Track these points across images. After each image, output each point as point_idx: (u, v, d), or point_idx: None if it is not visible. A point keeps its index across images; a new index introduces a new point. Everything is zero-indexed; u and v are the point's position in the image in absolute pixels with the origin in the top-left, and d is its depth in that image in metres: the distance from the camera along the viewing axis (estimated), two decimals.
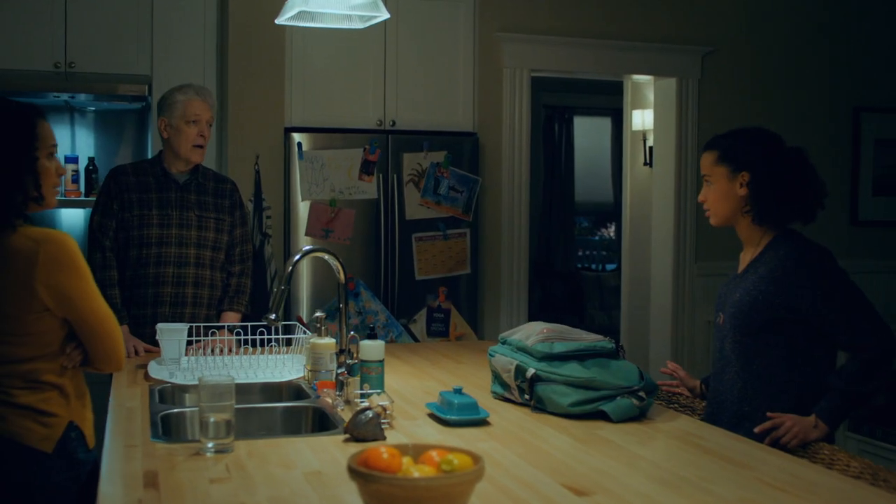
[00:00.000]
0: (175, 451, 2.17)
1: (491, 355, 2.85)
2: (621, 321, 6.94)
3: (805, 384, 2.57)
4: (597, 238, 11.00)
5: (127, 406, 2.65)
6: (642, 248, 6.57)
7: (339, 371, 2.73)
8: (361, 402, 2.58)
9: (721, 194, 2.68)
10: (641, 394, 2.61)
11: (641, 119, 6.40)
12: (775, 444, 2.48)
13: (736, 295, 2.64)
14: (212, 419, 2.15)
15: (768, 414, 2.54)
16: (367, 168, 5.02)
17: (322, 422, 2.63)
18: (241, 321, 3.73)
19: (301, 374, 3.09)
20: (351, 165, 5.00)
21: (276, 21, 3.15)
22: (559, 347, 2.69)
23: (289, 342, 3.39)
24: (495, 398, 2.82)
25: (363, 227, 5.03)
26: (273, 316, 2.69)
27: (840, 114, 6.20)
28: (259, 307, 4.85)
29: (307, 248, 2.75)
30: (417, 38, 5.16)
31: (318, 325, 3.00)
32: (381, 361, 2.68)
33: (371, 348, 2.67)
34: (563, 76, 6.08)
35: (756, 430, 2.50)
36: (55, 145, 2.29)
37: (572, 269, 10.49)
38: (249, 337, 3.31)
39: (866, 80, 6.27)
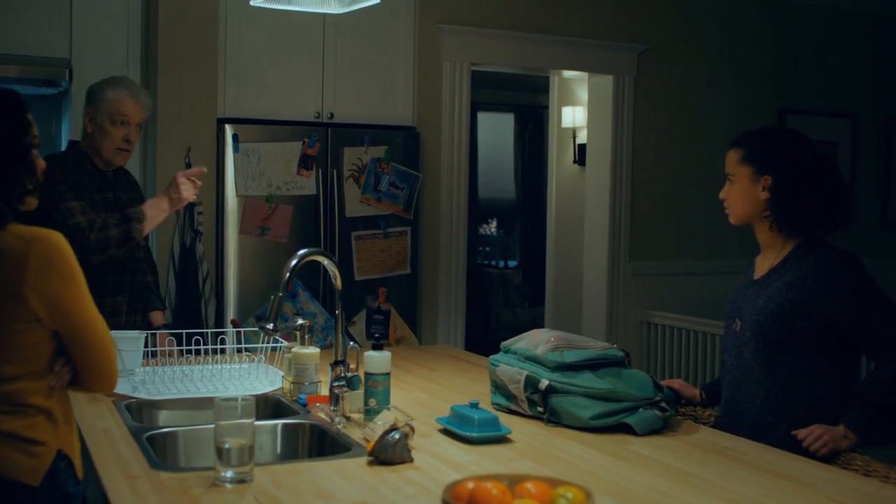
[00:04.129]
0: (187, 481, 1.91)
1: (494, 365, 2.67)
2: (545, 319, 6.86)
3: (830, 395, 2.48)
4: (495, 234, 10.92)
5: (100, 427, 2.36)
6: (570, 246, 6.50)
7: (336, 384, 2.50)
8: (369, 418, 2.37)
9: (742, 195, 2.56)
10: (663, 405, 2.48)
11: (572, 116, 6.31)
12: (804, 452, 2.39)
13: (759, 302, 2.53)
14: (227, 445, 1.90)
15: (794, 433, 2.44)
16: (305, 162, 4.76)
17: (322, 440, 2.40)
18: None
19: (278, 386, 2.84)
20: (289, 159, 4.73)
21: (252, 2, 2.88)
22: (570, 357, 2.53)
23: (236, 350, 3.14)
24: (498, 410, 2.64)
25: (301, 224, 4.76)
26: (270, 326, 2.44)
27: (766, 115, 6.25)
28: (192, 310, 4.56)
29: (303, 251, 2.51)
30: (357, 27, 4.93)
31: (300, 333, 2.77)
32: (388, 374, 2.46)
33: (377, 360, 2.45)
34: (501, 70, 5.92)
35: (798, 435, 2.40)
36: (37, 136, 2.00)
37: (475, 267, 10.38)
38: (240, 346, 3.04)
39: (792, 83, 6.35)
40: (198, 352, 3.05)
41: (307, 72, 4.84)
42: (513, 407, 2.61)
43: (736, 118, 6.13)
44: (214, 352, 3.08)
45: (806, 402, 2.48)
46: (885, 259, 6.62)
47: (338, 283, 2.54)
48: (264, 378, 2.94)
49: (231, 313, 4.70)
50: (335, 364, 2.52)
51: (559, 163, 6.63)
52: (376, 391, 2.44)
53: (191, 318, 4.50)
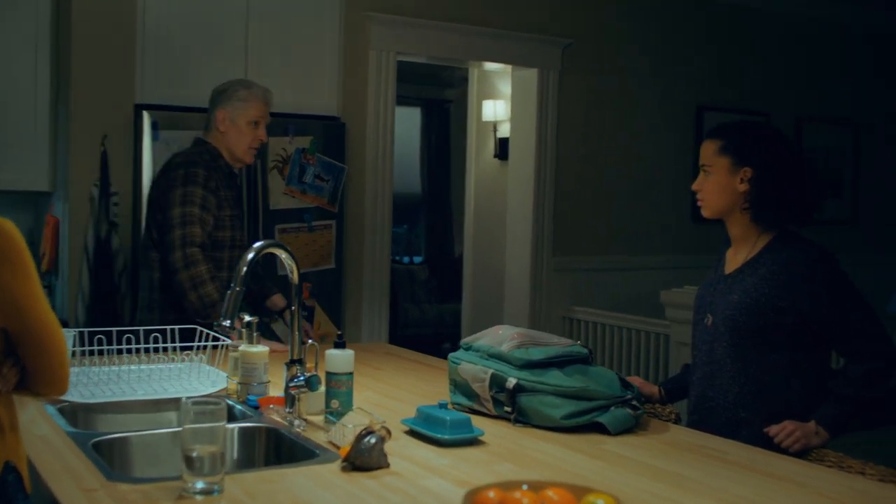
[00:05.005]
0: (152, 494, 1.74)
1: (455, 363, 2.55)
2: (463, 315, 6.78)
3: (805, 390, 2.45)
4: (398, 229, 10.80)
5: (36, 434, 2.16)
6: (489, 241, 6.43)
7: (293, 384, 2.35)
8: (332, 420, 2.24)
9: (719, 186, 2.51)
10: (634, 403, 2.41)
11: (493, 110, 6.23)
12: (777, 448, 2.35)
13: (733, 296, 2.48)
14: (196, 453, 1.75)
15: (765, 430, 2.40)
16: None
17: (279, 445, 2.26)
18: None
19: (222, 387, 2.67)
20: None
21: None
22: (536, 354, 2.44)
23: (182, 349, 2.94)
24: (458, 410, 2.53)
25: None
26: (228, 322, 2.27)
27: (685, 112, 6.30)
28: (106, 306, 4.31)
29: (259, 243, 2.35)
30: (282, 13, 4.75)
31: (248, 331, 2.61)
32: (351, 374, 2.33)
33: (339, 359, 2.31)
34: (430, 62, 5.81)
35: (770, 432, 2.36)
36: None
37: None
38: (185, 345, 2.83)
39: (709, 81, 6.41)
40: (121, 351, 2.85)
41: (230, 58, 4.62)
42: (475, 406, 2.50)
43: (656, 114, 6.17)
44: (135, 351, 2.87)
45: (780, 398, 2.45)
46: None
47: (294, 276, 2.39)
48: (205, 378, 2.76)
49: None
50: (291, 363, 2.37)
51: (478, 157, 6.55)
52: (339, 392, 2.30)
53: (107, 315, 4.26)
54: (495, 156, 6.34)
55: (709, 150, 2.53)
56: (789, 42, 6.80)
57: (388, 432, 2.00)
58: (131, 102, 4.43)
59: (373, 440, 1.94)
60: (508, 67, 5.90)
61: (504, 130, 6.21)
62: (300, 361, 2.38)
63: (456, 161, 10.07)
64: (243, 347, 2.58)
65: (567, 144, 5.83)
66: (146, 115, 4.39)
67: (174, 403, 2.55)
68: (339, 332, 2.36)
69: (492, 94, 6.34)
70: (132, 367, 2.79)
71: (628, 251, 6.10)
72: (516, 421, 2.39)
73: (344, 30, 4.96)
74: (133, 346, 2.81)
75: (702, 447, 2.24)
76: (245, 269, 2.28)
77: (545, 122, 5.72)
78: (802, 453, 2.35)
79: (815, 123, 6.90)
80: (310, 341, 2.38)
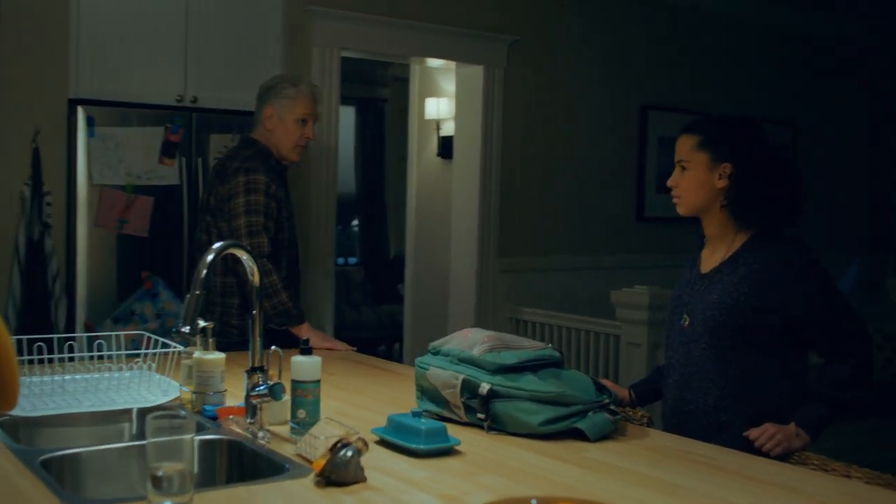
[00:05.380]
0: None
1: (423, 368, 2.44)
2: (406, 316, 6.65)
3: (784, 391, 2.39)
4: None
5: None
6: (432, 241, 6.32)
7: (255, 393, 2.21)
8: (299, 431, 2.10)
9: (697, 182, 2.43)
10: (612, 407, 2.32)
11: (437, 107, 6.12)
12: (758, 452, 2.29)
13: (712, 296, 2.41)
14: (162, 472, 1.60)
15: (746, 434, 2.33)
16: (168, 150, 4.37)
17: (242, 458, 2.12)
18: None
19: (174, 396, 2.52)
20: (150, 146, 4.32)
21: None
22: (509, 358, 2.34)
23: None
24: (426, 416, 2.42)
25: (163, 217, 4.36)
26: (187, 329, 2.12)
27: (630, 111, 6.27)
28: (40, 311, 4.10)
29: (218, 244, 2.20)
30: (224, 6, 4.56)
31: (203, 336, 2.46)
32: (318, 382, 2.19)
33: (306, 366, 2.17)
34: (374, 58, 5.68)
35: (750, 435, 2.29)
36: None
37: None
38: (132, 353, 2.66)
39: (653, 80, 6.39)
40: (61, 359, 2.68)
41: (169, 51, 4.43)
42: (445, 413, 2.39)
43: (601, 113, 6.13)
44: (71, 359, 2.70)
45: (761, 400, 2.38)
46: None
47: (255, 279, 2.25)
48: (156, 388, 2.60)
49: (83, 315, 4.26)
50: (252, 371, 2.23)
51: (420, 155, 6.43)
52: (306, 401, 2.16)
53: (39, 321, 4.05)
54: (438, 154, 6.23)
55: (686, 144, 2.45)
56: (732, 43, 6.83)
57: (365, 444, 1.87)
58: (65, 97, 4.21)
59: (349, 453, 1.82)
60: (452, 64, 5.80)
61: (447, 129, 6.11)
62: (262, 369, 2.24)
63: (391, 160, 9.95)
64: (198, 354, 2.43)
65: (513, 143, 5.76)
66: (80, 111, 4.18)
67: (124, 415, 2.39)
68: (306, 338, 2.23)
69: (434, 92, 6.23)
70: (76, 376, 2.61)
71: (574, 251, 6.05)
72: (490, 428, 2.29)
73: (286, 25, 4.80)
74: (77, 355, 2.66)
75: (687, 453, 2.16)
76: (205, 271, 2.13)
77: (490, 121, 5.64)
78: (783, 457, 2.29)
79: None
80: (274, 347, 2.24)
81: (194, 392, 2.42)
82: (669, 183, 2.48)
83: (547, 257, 5.94)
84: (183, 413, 1.64)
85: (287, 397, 2.22)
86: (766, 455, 2.26)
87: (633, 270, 6.05)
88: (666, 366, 2.57)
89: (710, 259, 2.50)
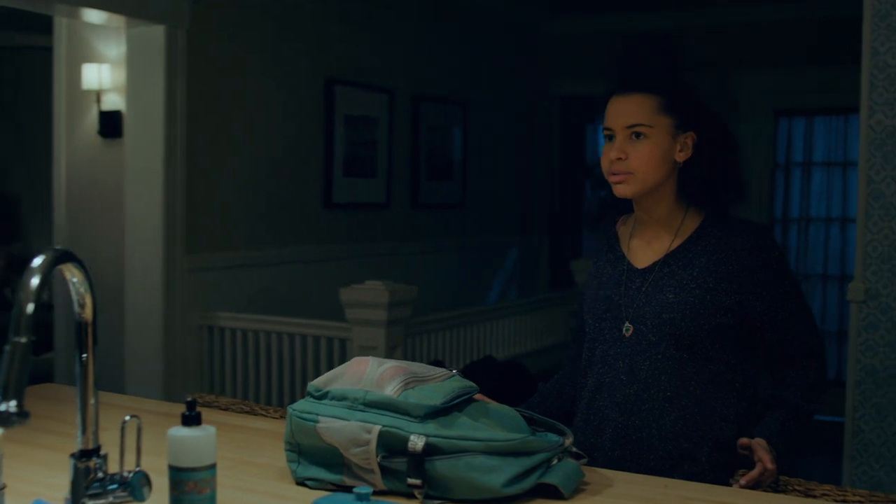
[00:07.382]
0: None
1: (306, 419, 1.72)
2: (56, 331, 5.51)
3: (746, 407, 1.97)
4: None
5: None
6: (93, 237, 5.27)
7: (91, 493, 1.38)
8: None
9: (661, 152, 1.92)
10: (575, 448, 1.77)
11: (98, 76, 5.06)
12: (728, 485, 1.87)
13: (666, 295, 1.92)
14: None
15: (737, 486, 1.87)
16: None
17: None
18: None
19: None
20: None
21: None
22: (432, 396, 1.71)
23: None
24: (313, 488, 1.72)
25: None
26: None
27: (315, 84, 5.66)
28: None
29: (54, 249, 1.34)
30: None
31: None
32: (214, 467, 1.40)
33: (194, 444, 1.37)
34: (8, 5, 4.51)
35: (742, 483, 1.83)
36: None
37: None
38: None
39: (339, 53, 5.82)
40: None
41: None
42: (346, 481, 1.70)
43: (289, 87, 5.47)
44: None
45: (725, 420, 1.94)
46: (418, 243, 6.50)
47: (87, 312, 1.41)
48: None
49: None
50: (83, 455, 1.40)
51: (73, 134, 5.31)
52: (198, 498, 1.37)
53: None
54: (100, 133, 5.16)
55: (644, 106, 1.92)
56: (412, 18, 6.44)
57: None
58: None
59: None
60: (117, 23, 4.79)
61: (112, 102, 5.09)
62: (98, 452, 1.41)
63: (4, 140, 8.45)
64: None
65: (199, 121, 4.90)
66: None
67: None
68: (191, 399, 1.42)
69: (92, 57, 5.15)
70: None
71: (261, 244, 5.33)
72: (428, 497, 1.64)
73: None
74: None
75: (688, 499, 1.66)
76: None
77: (174, 94, 4.75)
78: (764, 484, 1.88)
79: (430, 103, 6.63)
80: (129, 418, 1.41)
81: None
82: (613, 155, 1.93)
83: (238, 252, 5.17)
84: None
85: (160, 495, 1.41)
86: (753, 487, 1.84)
87: (317, 264, 5.52)
88: (590, 387, 2.05)
89: (648, 250, 2.02)
